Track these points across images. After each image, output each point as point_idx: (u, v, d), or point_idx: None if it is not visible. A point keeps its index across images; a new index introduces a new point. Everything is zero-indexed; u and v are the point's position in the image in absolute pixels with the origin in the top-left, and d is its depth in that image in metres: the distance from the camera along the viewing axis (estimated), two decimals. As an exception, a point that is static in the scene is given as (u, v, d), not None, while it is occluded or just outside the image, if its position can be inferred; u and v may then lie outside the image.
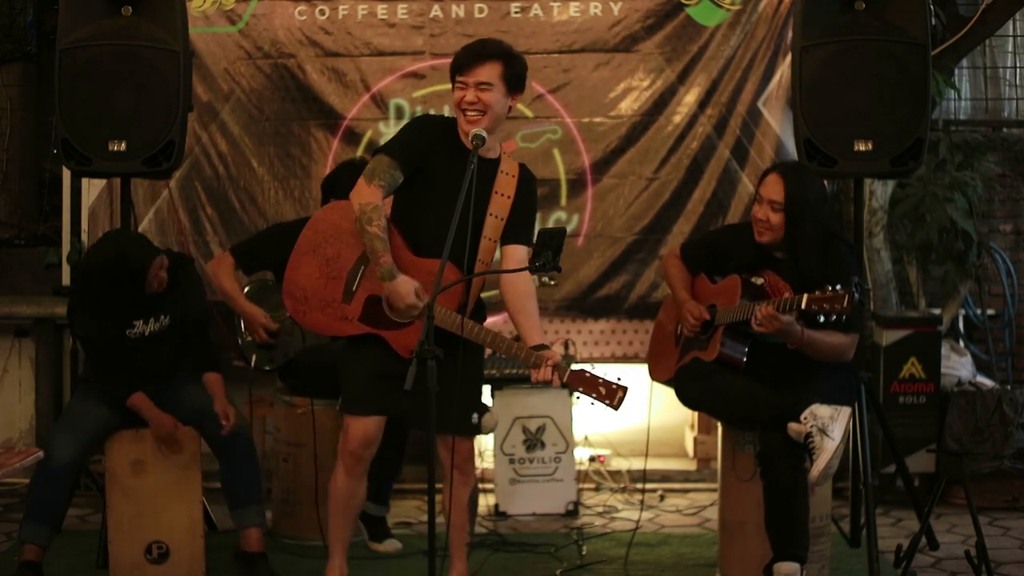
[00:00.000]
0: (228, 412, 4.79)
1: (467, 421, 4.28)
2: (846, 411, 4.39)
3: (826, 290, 4.32)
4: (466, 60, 4.18)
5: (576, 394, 4.07)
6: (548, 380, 4.07)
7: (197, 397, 4.83)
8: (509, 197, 4.24)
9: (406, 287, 4.10)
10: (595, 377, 4.05)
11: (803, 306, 4.37)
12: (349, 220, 4.20)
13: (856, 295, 4.28)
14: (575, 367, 4.07)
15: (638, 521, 5.41)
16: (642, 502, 5.70)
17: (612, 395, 4.02)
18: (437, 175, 4.18)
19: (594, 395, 4.03)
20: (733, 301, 4.66)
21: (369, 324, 4.18)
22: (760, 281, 4.71)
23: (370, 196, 4.12)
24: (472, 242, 4.11)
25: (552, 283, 5.62)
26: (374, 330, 4.18)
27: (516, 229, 4.28)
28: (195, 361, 4.91)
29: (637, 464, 6.25)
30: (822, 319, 4.33)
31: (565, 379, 4.03)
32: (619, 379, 4.05)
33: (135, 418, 4.76)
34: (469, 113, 4.14)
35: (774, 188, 4.61)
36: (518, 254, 4.27)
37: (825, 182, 5.08)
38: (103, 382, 4.81)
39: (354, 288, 4.21)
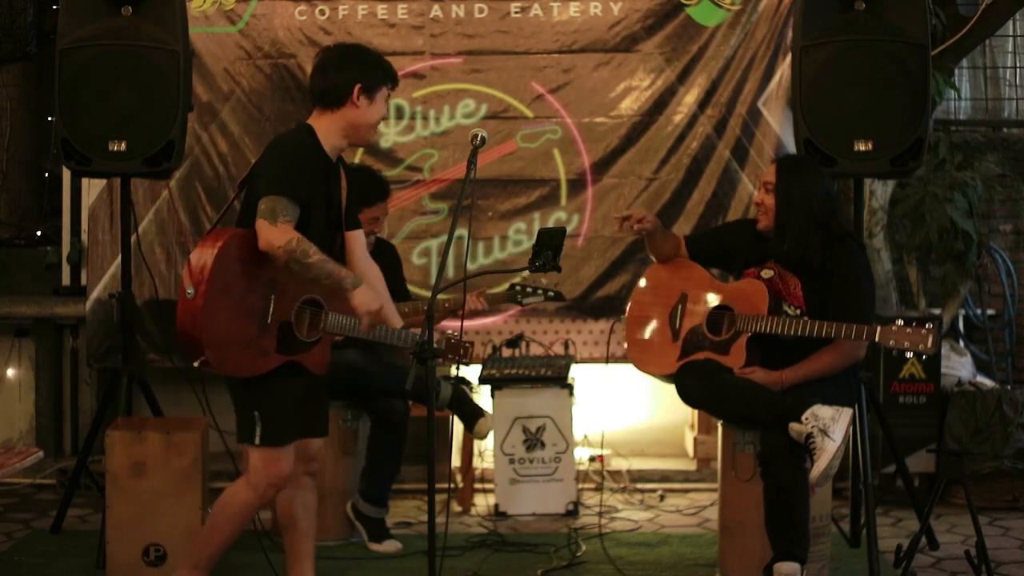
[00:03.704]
0: None
1: (326, 422, 4.37)
2: (847, 412, 4.39)
3: (902, 327, 4.31)
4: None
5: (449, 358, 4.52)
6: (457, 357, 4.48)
7: None
8: (346, 184, 4.28)
9: (369, 290, 4.11)
10: (457, 341, 4.47)
11: (876, 339, 4.36)
12: (255, 253, 4.01)
13: (939, 336, 4.26)
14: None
15: (639, 521, 5.41)
16: (642, 502, 5.70)
17: (466, 351, 4.55)
18: (315, 193, 4.09)
19: (454, 356, 4.52)
20: (758, 309, 4.63)
21: (285, 352, 4.11)
22: (769, 274, 4.72)
23: (286, 233, 3.95)
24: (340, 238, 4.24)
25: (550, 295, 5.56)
26: (291, 357, 4.13)
27: (354, 211, 4.31)
28: None
29: (637, 464, 6.25)
30: (895, 353, 4.31)
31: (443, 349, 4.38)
32: (459, 336, 4.52)
33: None
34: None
35: (770, 171, 4.81)
36: (361, 236, 4.33)
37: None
38: None
39: (268, 320, 4.08)
